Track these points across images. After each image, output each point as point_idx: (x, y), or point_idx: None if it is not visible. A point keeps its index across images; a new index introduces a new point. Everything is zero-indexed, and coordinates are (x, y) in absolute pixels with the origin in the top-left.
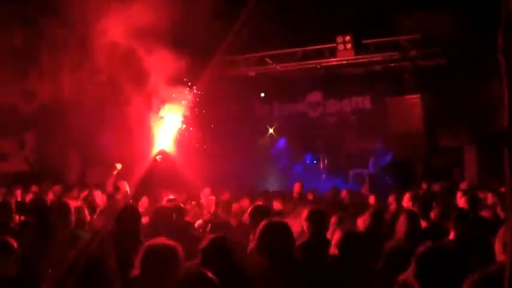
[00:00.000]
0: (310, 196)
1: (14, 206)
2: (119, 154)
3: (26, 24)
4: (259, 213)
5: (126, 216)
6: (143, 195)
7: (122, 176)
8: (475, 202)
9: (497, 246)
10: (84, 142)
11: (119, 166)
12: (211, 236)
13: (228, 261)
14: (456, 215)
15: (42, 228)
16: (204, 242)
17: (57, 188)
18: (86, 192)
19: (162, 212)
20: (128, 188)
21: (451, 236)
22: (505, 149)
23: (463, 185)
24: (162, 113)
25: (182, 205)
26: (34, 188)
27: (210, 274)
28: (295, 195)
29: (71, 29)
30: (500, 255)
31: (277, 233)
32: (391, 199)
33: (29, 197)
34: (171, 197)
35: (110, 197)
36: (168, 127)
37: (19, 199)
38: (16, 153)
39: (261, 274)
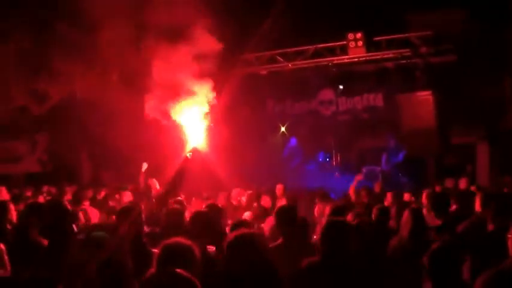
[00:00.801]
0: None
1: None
2: (131, 154)
3: (37, 26)
4: (286, 213)
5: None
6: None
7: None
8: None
9: (511, 243)
10: (96, 142)
11: (145, 165)
12: (237, 231)
13: (251, 257)
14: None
15: (59, 229)
16: (229, 237)
17: (73, 189)
18: (103, 193)
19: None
20: (157, 186)
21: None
22: None
23: (462, 183)
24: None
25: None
26: (45, 189)
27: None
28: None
29: (83, 30)
30: None
31: (339, 232)
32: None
33: (41, 198)
34: (179, 198)
35: (144, 196)
36: (189, 127)
37: (30, 200)
38: (28, 154)
39: (311, 270)
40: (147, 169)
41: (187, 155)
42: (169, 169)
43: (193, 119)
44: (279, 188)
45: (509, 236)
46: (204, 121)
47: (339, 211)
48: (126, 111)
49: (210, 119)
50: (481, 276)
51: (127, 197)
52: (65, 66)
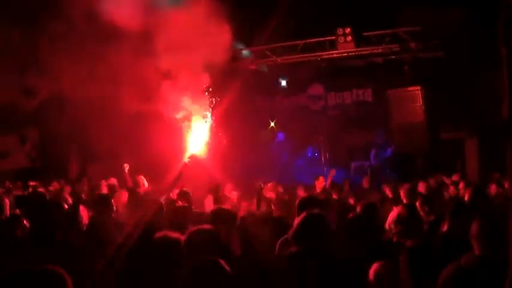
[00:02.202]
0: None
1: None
2: (120, 149)
3: (26, 20)
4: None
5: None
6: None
7: (138, 170)
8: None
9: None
10: (85, 138)
11: (127, 166)
12: (195, 227)
13: (214, 254)
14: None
15: (43, 221)
16: (185, 235)
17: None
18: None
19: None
20: (146, 183)
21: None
22: (505, 139)
23: (455, 177)
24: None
25: None
26: (32, 183)
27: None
28: (318, 189)
29: (72, 23)
30: (476, 249)
31: (315, 224)
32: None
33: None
34: (184, 189)
35: (131, 192)
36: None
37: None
38: (17, 149)
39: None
40: (134, 166)
41: (186, 160)
42: (167, 172)
43: (194, 122)
44: (321, 180)
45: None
46: (205, 126)
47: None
48: (116, 106)
49: (211, 122)
50: (443, 272)
51: (103, 188)
52: (53, 61)
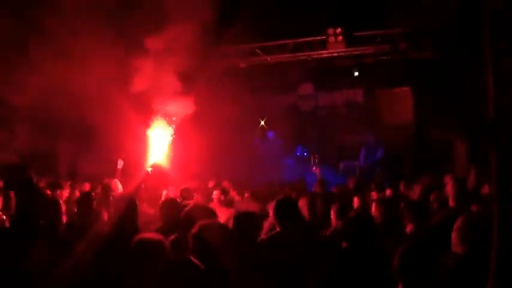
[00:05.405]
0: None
1: None
2: (112, 147)
3: (16, 14)
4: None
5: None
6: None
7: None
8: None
9: (454, 237)
10: (75, 134)
11: (121, 162)
12: (202, 222)
13: (215, 248)
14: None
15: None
16: (195, 228)
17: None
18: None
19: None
20: (120, 187)
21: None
22: (490, 140)
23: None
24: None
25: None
26: None
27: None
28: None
29: (62, 19)
30: (456, 246)
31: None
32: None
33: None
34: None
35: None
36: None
37: None
38: (6, 145)
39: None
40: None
41: (148, 170)
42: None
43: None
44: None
45: (454, 230)
46: (168, 133)
47: None
48: (107, 103)
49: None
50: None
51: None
52: (44, 56)
